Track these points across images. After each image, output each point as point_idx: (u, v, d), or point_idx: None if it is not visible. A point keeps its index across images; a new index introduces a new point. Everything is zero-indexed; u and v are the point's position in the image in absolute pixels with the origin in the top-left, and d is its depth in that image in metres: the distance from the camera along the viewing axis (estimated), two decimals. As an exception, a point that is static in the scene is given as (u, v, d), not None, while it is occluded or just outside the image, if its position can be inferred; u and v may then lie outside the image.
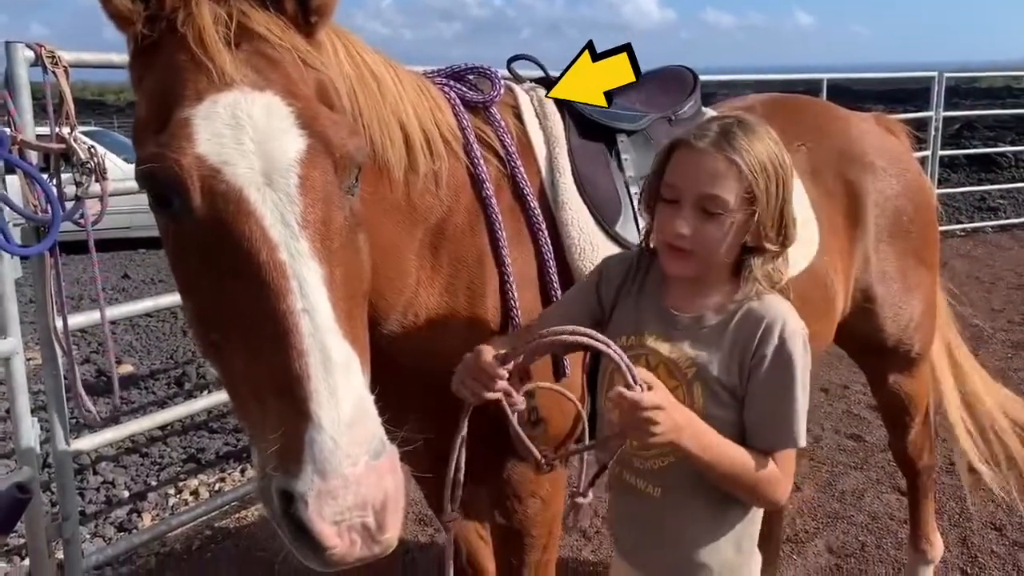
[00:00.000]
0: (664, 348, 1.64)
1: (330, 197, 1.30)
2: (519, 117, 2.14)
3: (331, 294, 1.24)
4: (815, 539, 3.71)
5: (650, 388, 1.45)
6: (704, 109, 2.51)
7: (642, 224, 2.14)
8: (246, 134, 1.25)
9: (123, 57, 3.03)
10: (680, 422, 1.48)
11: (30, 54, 2.65)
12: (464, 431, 1.61)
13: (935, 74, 8.85)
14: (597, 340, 1.51)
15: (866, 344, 2.75)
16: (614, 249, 2.04)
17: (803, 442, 1.60)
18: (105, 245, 2.76)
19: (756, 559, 1.78)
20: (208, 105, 1.26)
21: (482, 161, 1.94)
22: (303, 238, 1.24)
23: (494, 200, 1.93)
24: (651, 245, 1.73)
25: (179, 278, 1.37)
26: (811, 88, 8.38)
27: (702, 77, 2.69)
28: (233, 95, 1.27)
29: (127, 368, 6.28)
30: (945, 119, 9.39)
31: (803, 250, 2.37)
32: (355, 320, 1.32)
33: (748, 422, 1.60)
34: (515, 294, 1.92)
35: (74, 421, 3.31)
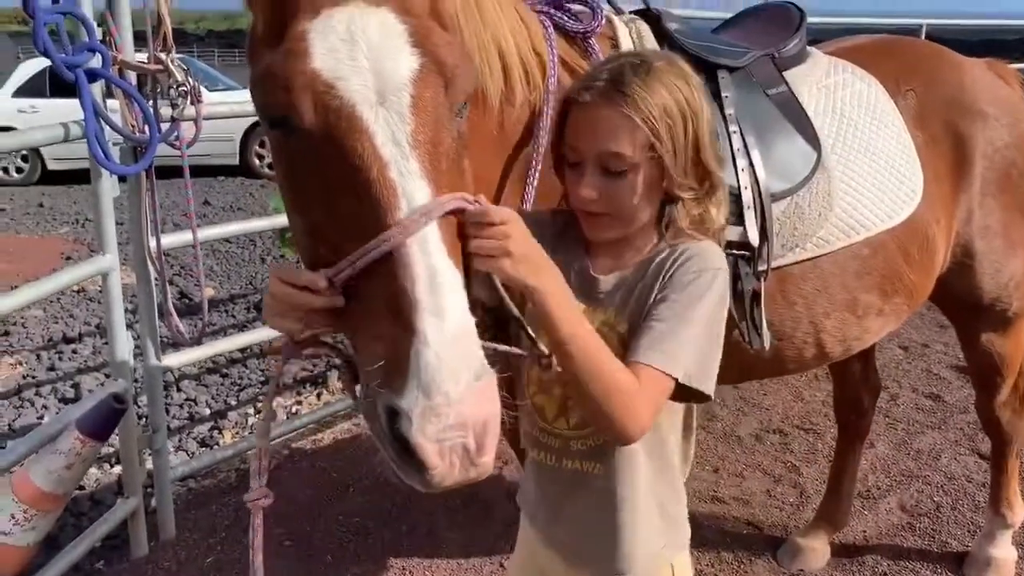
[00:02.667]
0: (595, 316, 1.51)
1: (440, 118, 1.28)
2: (617, 49, 2.09)
3: None
4: (888, 496, 3.65)
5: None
6: (809, 48, 2.41)
7: (740, 165, 2.09)
8: (360, 50, 1.23)
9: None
10: (540, 263, 1.32)
11: (131, -24, 2.68)
12: (279, 383, 1.47)
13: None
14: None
15: (961, 300, 2.65)
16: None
17: (681, 375, 1.41)
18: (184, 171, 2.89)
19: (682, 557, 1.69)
20: (324, 19, 1.24)
21: (553, 95, 1.87)
22: (413, 157, 1.23)
23: (543, 133, 1.85)
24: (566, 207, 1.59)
25: (289, 194, 1.38)
26: (908, 34, 8.00)
27: None
28: (349, 10, 1.25)
29: (208, 292, 6.46)
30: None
31: (904, 199, 2.29)
32: (457, 242, 1.32)
33: (632, 338, 1.45)
34: None
35: (162, 339, 3.43)
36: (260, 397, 4.74)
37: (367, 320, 1.24)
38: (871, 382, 3.29)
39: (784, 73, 2.29)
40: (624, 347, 1.49)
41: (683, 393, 1.47)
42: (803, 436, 4.23)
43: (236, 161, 12.66)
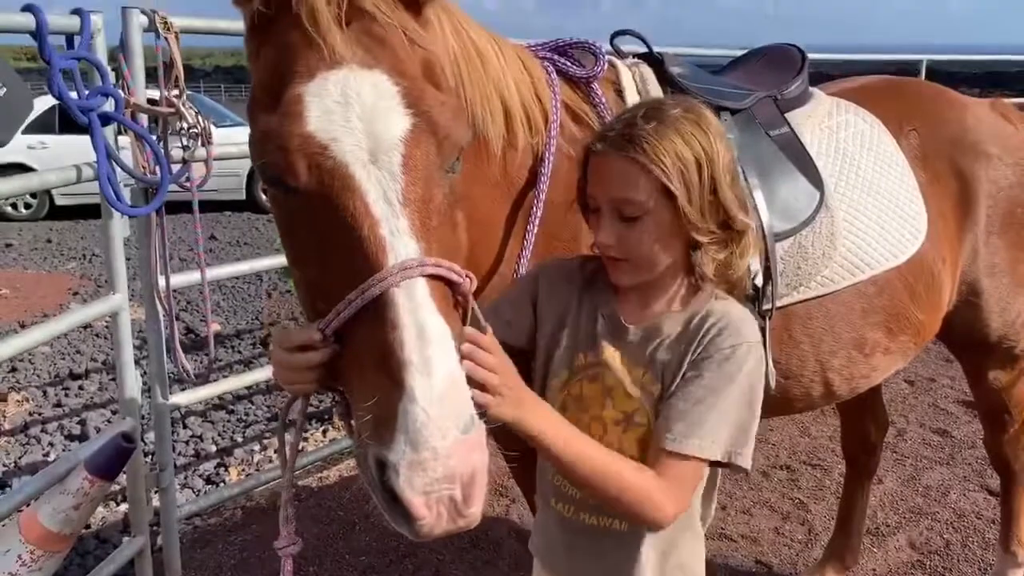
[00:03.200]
0: (619, 365, 1.53)
1: (431, 176, 1.32)
2: (620, 93, 2.11)
3: None
4: (897, 533, 3.63)
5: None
6: (812, 89, 2.45)
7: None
8: (354, 112, 1.28)
9: (229, 23, 3.12)
10: (524, 398, 1.35)
11: (144, 19, 2.73)
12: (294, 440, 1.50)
13: (1044, 57, 8.43)
14: None
15: (968, 338, 2.65)
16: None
17: (720, 455, 1.41)
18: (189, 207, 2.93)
19: None
20: (319, 82, 1.29)
21: (555, 140, 1.91)
22: (403, 215, 1.27)
23: (544, 178, 1.89)
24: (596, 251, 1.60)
25: (288, 248, 1.43)
26: (908, 69, 8.07)
27: None
28: (343, 73, 1.30)
29: (214, 327, 6.48)
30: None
31: (908, 238, 2.30)
32: (449, 298, 1.34)
33: (661, 416, 1.46)
34: None
35: (169, 375, 3.44)
36: (267, 434, 4.74)
37: (359, 372, 1.27)
38: (879, 418, 3.28)
39: (786, 114, 2.32)
40: (652, 406, 1.49)
41: (716, 463, 1.48)
42: (811, 472, 4.21)
43: (243, 196, 12.75)
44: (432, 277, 1.26)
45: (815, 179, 2.21)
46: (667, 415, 1.45)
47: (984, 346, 2.66)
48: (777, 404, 2.31)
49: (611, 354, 1.55)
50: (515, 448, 1.60)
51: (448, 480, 1.18)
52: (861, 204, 2.26)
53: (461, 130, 1.37)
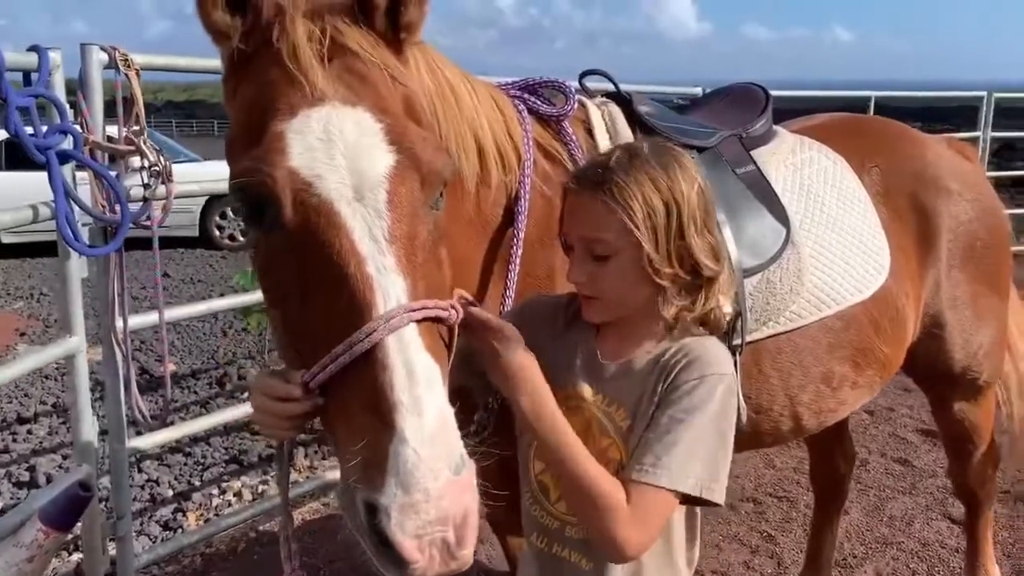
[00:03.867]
0: (596, 401, 1.55)
1: (416, 212, 1.31)
2: (590, 132, 2.13)
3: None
4: (864, 564, 3.65)
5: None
6: (776, 127, 2.48)
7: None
8: (337, 149, 1.27)
9: (189, 60, 3.09)
10: (524, 367, 1.41)
11: (104, 56, 2.68)
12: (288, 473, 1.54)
13: (984, 94, 8.72)
14: None
15: (933, 370, 2.69)
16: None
17: (691, 487, 1.41)
18: (145, 244, 2.82)
19: None
20: (301, 120, 1.28)
21: (529, 178, 1.91)
22: (390, 253, 1.26)
23: (522, 217, 1.88)
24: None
25: (267, 289, 1.40)
26: (857, 105, 8.29)
27: None
28: (325, 110, 1.29)
29: (169, 367, 6.32)
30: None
31: (873, 273, 2.34)
32: (436, 333, 1.32)
33: (635, 450, 1.46)
34: None
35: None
36: (225, 477, 4.61)
37: (345, 415, 1.24)
38: (847, 451, 3.31)
39: (752, 152, 2.35)
40: (624, 442, 1.50)
41: (691, 499, 1.47)
42: (777, 504, 4.22)
43: (196, 233, 12.57)
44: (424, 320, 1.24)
45: (781, 216, 2.24)
46: (638, 447, 1.45)
47: (948, 378, 2.70)
48: (747, 439, 2.31)
49: (588, 390, 1.57)
50: (501, 488, 1.59)
51: (441, 522, 1.16)
52: (826, 240, 2.29)
53: (444, 165, 1.37)
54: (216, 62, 3.21)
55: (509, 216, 1.90)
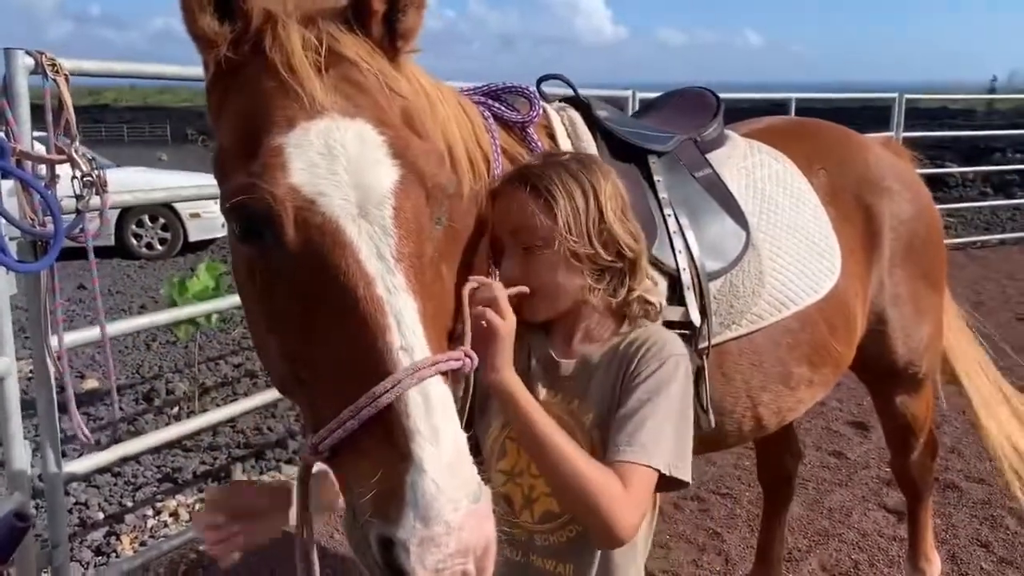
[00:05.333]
0: (556, 401, 1.60)
1: (422, 229, 1.27)
2: (552, 137, 2.11)
3: (426, 330, 1.21)
4: (808, 557, 3.73)
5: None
6: (727, 131, 2.51)
7: (678, 246, 2.13)
8: (340, 164, 1.21)
9: (124, 66, 2.96)
10: (506, 364, 1.44)
11: (29, 61, 2.55)
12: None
13: (895, 96, 9.08)
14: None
15: (876, 365, 2.77)
16: (650, 271, 2.02)
17: (663, 467, 1.45)
18: (62, 255, 2.68)
19: None
20: (300, 133, 1.22)
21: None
22: (399, 272, 1.20)
23: None
24: None
25: (264, 313, 1.31)
26: (780, 105, 8.54)
27: (656, 95, 2.73)
28: (325, 123, 1.23)
29: (91, 383, 6.07)
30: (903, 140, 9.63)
31: (826, 273, 2.39)
32: (445, 347, 1.29)
33: (609, 436, 1.51)
34: None
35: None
36: (159, 496, 4.43)
37: (355, 448, 1.18)
38: (793, 448, 3.38)
39: (707, 155, 2.37)
40: (589, 438, 1.53)
41: (662, 482, 1.49)
42: (721, 501, 4.29)
43: (112, 242, 12.09)
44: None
45: (740, 219, 2.26)
46: (612, 431, 1.49)
47: (891, 373, 2.78)
48: (711, 440, 2.33)
49: (545, 393, 1.61)
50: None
51: (461, 554, 1.12)
52: (782, 242, 2.33)
53: (448, 179, 1.33)
54: (152, 67, 3.10)
55: (480, 225, 1.86)
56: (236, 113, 1.29)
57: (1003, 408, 3.22)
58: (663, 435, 1.47)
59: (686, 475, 1.50)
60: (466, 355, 1.29)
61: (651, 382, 1.51)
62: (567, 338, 1.65)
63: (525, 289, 1.56)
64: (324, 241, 1.18)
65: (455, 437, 1.16)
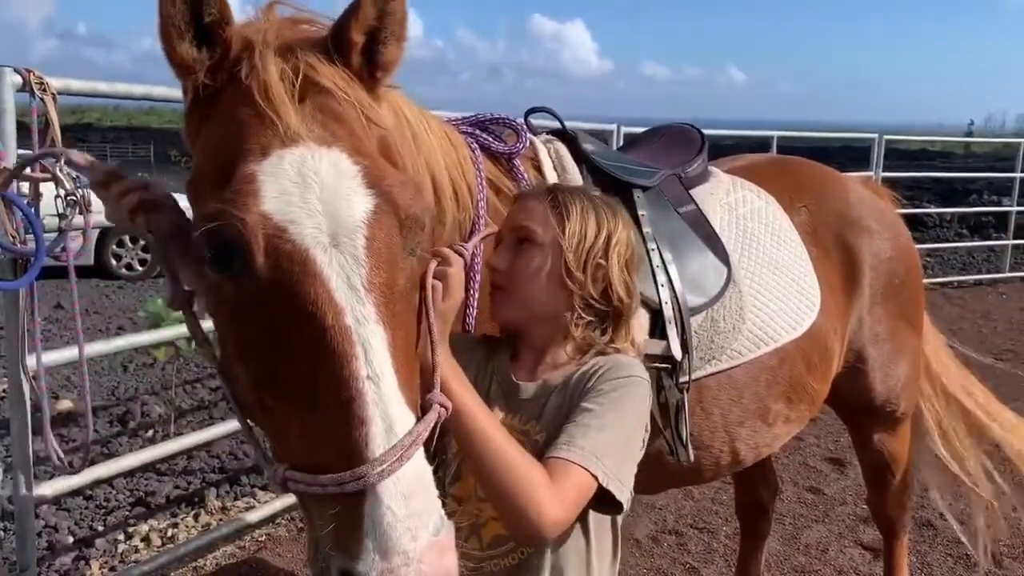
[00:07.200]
0: (513, 423, 1.60)
1: (395, 259, 1.26)
2: (539, 169, 2.13)
3: (394, 360, 1.20)
4: (785, 594, 3.73)
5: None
6: (710, 167, 2.55)
7: (660, 280, 2.15)
8: (313, 192, 1.20)
9: (110, 86, 2.96)
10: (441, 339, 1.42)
11: (17, 79, 2.55)
12: None
13: (876, 136, 9.23)
14: None
15: (855, 403, 2.79)
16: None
17: (600, 475, 1.43)
18: (40, 273, 2.67)
19: None
20: (274, 161, 1.21)
21: (483, 217, 1.90)
22: (369, 302, 1.20)
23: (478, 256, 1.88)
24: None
25: (232, 341, 1.30)
26: (763, 142, 8.65)
27: (640, 129, 2.76)
28: (300, 151, 1.23)
29: (65, 404, 5.98)
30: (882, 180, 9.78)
31: (805, 310, 2.41)
32: (414, 386, 1.28)
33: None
34: None
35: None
36: (131, 520, 4.36)
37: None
38: (770, 482, 3.39)
39: (690, 191, 2.40)
40: (540, 453, 1.51)
41: (597, 500, 1.48)
42: (698, 536, 4.28)
43: (91, 261, 11.98)
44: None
45: (722, 255, 2.29)
46: (559, 434, 1.49)
47: (869, 410, 2.80)
48: (688, 474, 2.34)
49: (503, 416, 1.61)
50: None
51: None
52: (762, 278, 2.35)
53: (424, 209, 1.32)
54: (139, 88, 3.10)
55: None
56: (211, 139, 1.30)
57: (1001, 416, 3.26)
58: (606, 445, 1.46)
59: (623, 495, 1.48)
60: (441, 405, 1.29)
61: (605, 396, 1.52)
62: (533, 365, 1.66)
63: (495, 228, 1.71)
64: (294, 269, 1.18)
65: (416, 467, 1.15)
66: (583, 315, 1.61)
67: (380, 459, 1.12)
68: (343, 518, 1.13)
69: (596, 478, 1.43)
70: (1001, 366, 6.19)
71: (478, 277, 1.82)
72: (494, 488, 1.41)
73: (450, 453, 1.65)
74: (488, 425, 1.42)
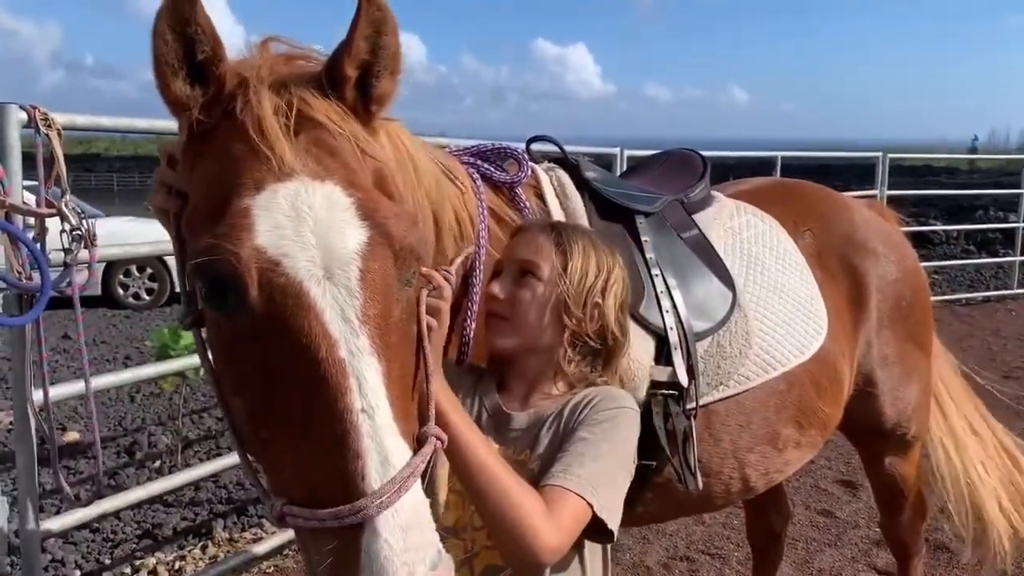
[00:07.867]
0: (505, 454, 1.61)
1: (389, 290, 1.26)
2: (541, 197, 2.13)
3: (389, 392, 1.20)
4: (799, 619, 3.68)
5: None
6: (713, 192, 2.55)
7: (665, 306, 2.14)
8: (307, 226, 1.21)
9: (113, 120, 2.98)
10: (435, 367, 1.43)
11: (23, 115, 2.57)
12: None
13: (880, 154, 9.23)
14: None
15: (865, 426, 2.76)
16: (638, 331, 2.02)
17: (596, 504, 1.45)
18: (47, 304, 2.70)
19: None
20: (268, 195, 1.22)
21: (484, 248, 1.90)
22: (363, 334, 1.20)
23: (477, 287, 1.88)
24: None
25: (228, 374, 1.31)
26: (767, 162, 8.66)
27: (643, 152, 2.76)
28: (294, 185, 1.24)
29: (72, 436, 5.98)
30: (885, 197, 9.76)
31: (813, 334, 2.39)
32: (410, 418, 1.28)
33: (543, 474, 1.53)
34: None
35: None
36: (138, 553, 4.34)
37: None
38: (782, 508, 3.35)
39: (693, 216, 2.40)
40: (540, 463, 1.56)
41: (589, 529, 1.50)
42: (710, 562, 4.23)
43: (98, 291, 12.03)
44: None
45: (727, 279, 2.28)
46: (554, 462, 1.52)
47: (880, 433, 2.77)
48: (698, 502, 2.32)
49: (495, 442, 1.63)
50: None
51: None
52: (768, 302, 2.34)
53: (419, 241, 1.33)
54: (142, 122, 3.12)
55: (464, 284, 1.87)
56: (206, 175, 1.30)
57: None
58: (601, 474, 1.50)
59: (614, 523, 1.51)
60: (437, 437, 1.29)
61: (598, 426, 1.57)
62: (525, 395, 1.70)
63: (471, 249, 1.77)
64: (288, 302, 1.18)
65: (414, 500, 1.15)
66: (576, 351, 1.67)
67: (379, 492, 1.12)
68: (340, 552, 1.12)
69: (592, 506, 1.46)
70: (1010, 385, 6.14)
71: (475, 306, 1.82)
72: (492, 516, 1.43)
73: (438, 484, 1.63)
74: (486, 455, 1.44)
